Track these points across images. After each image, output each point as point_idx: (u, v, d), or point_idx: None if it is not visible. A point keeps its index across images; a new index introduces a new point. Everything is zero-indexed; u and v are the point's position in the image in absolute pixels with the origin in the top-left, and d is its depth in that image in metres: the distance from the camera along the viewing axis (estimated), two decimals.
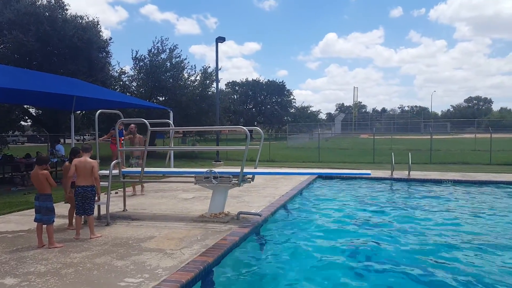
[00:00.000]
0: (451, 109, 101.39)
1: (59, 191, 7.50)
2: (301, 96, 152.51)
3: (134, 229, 6.26)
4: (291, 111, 69.15)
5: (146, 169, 7.33)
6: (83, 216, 5.89)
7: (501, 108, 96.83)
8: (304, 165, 17.66)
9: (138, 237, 5.81)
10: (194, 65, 31.49)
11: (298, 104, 71.80)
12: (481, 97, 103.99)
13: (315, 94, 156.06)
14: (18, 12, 18.07)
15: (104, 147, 10.80)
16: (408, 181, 12.75)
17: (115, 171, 7.11)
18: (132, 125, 9.72)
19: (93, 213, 5.96)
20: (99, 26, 21.75)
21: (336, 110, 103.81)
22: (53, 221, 5.39)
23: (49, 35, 18.31)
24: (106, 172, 6.98)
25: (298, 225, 7.14)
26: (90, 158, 5.95)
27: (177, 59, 24.78)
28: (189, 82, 25.50)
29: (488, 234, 6.56)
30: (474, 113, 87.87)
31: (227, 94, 56.32)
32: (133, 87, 25.25)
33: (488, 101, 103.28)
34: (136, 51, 24.37)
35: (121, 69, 24.99)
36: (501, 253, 5.55)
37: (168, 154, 10.29)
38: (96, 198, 6.11)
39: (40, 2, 19.73)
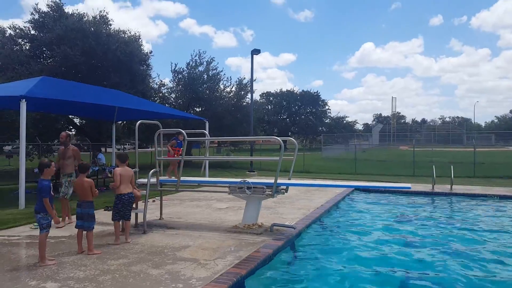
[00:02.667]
0: (496, 120, 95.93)
1: (99, 198, 7.77)
2: (337, 106, 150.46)
3: (169, 238, 6.34)
4: (326, 121, 68.28)
5: (182, 178, 7.44)
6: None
7: None
8: (339, 177, 17.29)
9: (173, 246, 5.88)
10: (230, 76, 32.47)
11: (333, 114, 70.79)
12: None
13: (351, 104, 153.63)
14: (67, 28, 19.25)
15: (142, 156, 11.11)
16: (450, 195, 12.10)
17: (153, 180, 7.27)
18: (63, 133, 7.97)
19: (130, 219, 6.27)
20: (140, 40, 22.74)
21: (374, 120, 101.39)
22: (93, 227, 5.58)
23: (94, 49, 19.33)
24: (144, 180, 7.16)
25: (333, 240, 6.93)
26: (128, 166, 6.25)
27: (214, 71, 25.37)
28: (224, 93, 25.96)
29: None
30: None
31: (261, 105, 56.74)
32: (171, 99, 26.05)
33: None
34: (175, 64, 25.26)
35: (161, 81, 26.00)
36: None
37: (204, 163, 10.43)
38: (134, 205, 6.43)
39: (86, 18, 20.93)
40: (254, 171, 19.08)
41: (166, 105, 24.12)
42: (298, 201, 10.31)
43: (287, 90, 67.84)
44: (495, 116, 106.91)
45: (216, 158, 25.03)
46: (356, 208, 10.33)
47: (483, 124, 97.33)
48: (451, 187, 12.78)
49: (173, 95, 26.17)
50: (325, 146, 43.10)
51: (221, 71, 25.81)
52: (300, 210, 9.03)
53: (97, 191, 5.67)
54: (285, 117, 68.26)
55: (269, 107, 66.60)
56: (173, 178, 8.11)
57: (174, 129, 8.68)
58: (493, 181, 15.69)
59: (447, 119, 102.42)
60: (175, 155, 8.27)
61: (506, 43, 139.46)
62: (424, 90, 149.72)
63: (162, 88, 25.86)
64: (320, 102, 66.71)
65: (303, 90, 67.16)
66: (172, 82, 25.72)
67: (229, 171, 20.69)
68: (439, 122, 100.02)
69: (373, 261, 5.74)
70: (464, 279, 4.99)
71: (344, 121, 70.97)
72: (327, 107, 67.96)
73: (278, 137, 7.09)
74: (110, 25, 21.74)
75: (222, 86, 25.88)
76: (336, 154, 35.62)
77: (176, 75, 25.19)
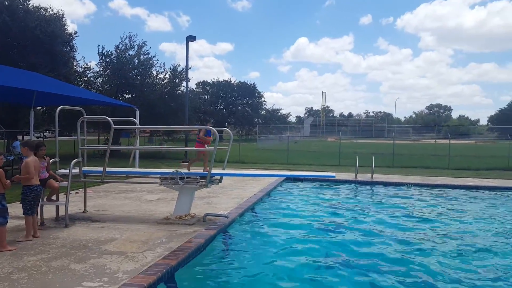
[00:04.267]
0: (414, 116, 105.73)
1: (14, 190, 7.08)
2: (272, 98, 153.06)
3: (94, 231, 6.01)
4: (262, 113, 69.41)
5: (108, 169, 7.07)
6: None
7: (460, 115, 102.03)
8: (273, 167, 17.75)
9: (99, 239, 5.59)
10: (163, 63, 31.36)
11: (269, 106, 72.18)
12: (441, 104, 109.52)
13: (286, 97, 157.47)
14: None
15: (64, 145, 10.33)
16: (371, 183, 13.13)
17: (75, 170, 6.81)
18: None
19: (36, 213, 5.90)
20: (64, 19, 20.94)
21: (305, 113, 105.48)
22: (6, 222, 5.08)
23: (8, 26, 17.38)
24: (66, 171, 6.68)
25: (265, 227, 7.13)
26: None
27: (146, 56, 24.25)
28: (157, 80, 24.99)
29: (447, 235, 6.84)
30: (434, 120, 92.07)
31: (197, 94, 55.72)
32: (98, 84, 24.41)
33: (448, 109, 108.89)
34: (103, 47, 23.56)
35: (86, 64, 24.12)
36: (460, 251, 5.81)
37: (133, 153, 9.97)
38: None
39: None
40: (188, 162, 18.78)
41: (92, 90, 22.59)
42: (232, 191, 10.40)
43: (224, 80, 67.48)
44: (413, 112, 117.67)
45: (147, 148, 24.28)
46: (287, 195, 10.72)
47: (402, 119, 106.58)
48: (372, 176, 13.86)
49: (99, 80, 24.51)
50: (260, 137, 43.94)
51: (154, 56, 24.73)
52: (234, 199, 9.12)
53: (8, 182, 5.14)
54: (221, 107, 67.95)
55: (206, 97, 65.74)
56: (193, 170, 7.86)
57: (99, 116, 8.19)
58: (409, 170, 17.29)
59: (371, 114, 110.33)
60: (207, 145, 8.12)
61: (426, 45, 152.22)
62: (352, 86, 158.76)
63: (88, 72, 24.11)
64: (256, 94, 67.47)
65: (240, 81, 67.36)
66: (99, 66, 24.02)
67: (162, 161, 20.12)
68: (364, 116, 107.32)
69: (302, 245, 6.01)
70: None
71: (279, 113, 72.78)
72: (263, 99, 69.05)
73: (214, 127, 7.05)
74: (29, 0, 19.68)
75: (154, 73, 24.83)
76: (270, 145, 36.48)
77: (103, 58, 23.60)
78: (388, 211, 8.84)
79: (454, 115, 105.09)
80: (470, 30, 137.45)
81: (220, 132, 7.61)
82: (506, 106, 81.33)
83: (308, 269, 5.08)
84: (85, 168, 7.16)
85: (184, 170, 7.03)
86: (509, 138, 24.78)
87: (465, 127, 77.38)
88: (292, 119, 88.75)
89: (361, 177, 13.87)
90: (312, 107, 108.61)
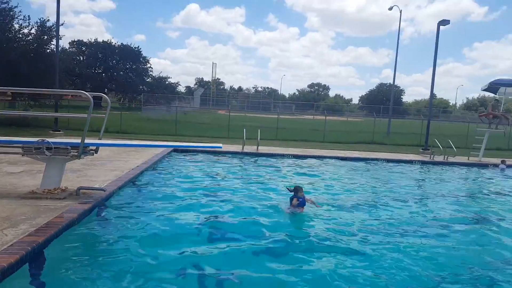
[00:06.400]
0: (297, 93, 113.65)
1: None
2: (159, 65, 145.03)
3: None
4: (148, 80, 65.46)
5: None
6: None
7: (336, 94, 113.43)
8: (160, 138, 17.17)
9: None
10: (28, 16, 26.22)
11: (155, 73, 68.25)
12: (321, 83, 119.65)
13: (175, 65, 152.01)
14: None
15: None
16: (256, 155, 13.81)
17: None
18: None
19: None
20: None
21: (196, 84, 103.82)
22: None
23: None
24: None
25: (147, 200, 6.87)
26: None
27: (5, 5, 20.44)
28: (20, 36, 21.37)
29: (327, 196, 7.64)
30: (314, 98, 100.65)
31: (70, 54, 49.53)
32: None
33: (326, 88, 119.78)
34: None
35: None
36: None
37: None
38: None
39: None
40: (60, 131, 16.85)
41: None
42: (112, 163, 9.72)
43: (103, 41, 61.10)
44: (296, 89, 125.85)
45: (7, 113, 20.89)
46: (173, 167, 10.53)
47: (287, 95, 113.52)
48: (257, 148, 14.57)
49: None
50: (145, 106, 41.85)
51: (16, 7, 20.97)
52: (113, 172, 8.53)
53: None
54: (100, 71, 61.86)
55: (81, 58, 58.90)
56: None
57: None
58: (290, 143, 18.70)
59: (259, 89, 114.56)
60: None
61: (311, 25, 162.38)
62: (243, 60, 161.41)
63: None
64: (141, 59, 63.00)
65: (122, 44, 61.62)
66: None
67: (27, 130, 17.62)
68: (253, 90, 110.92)
69: (184, 217, 5.98)
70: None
71: (167, 82, 69.70)
72: (149, 65, 64.85)
73: (92, 92, 6.33)
74: None
75: (17, 26, 21.15)
76: (157, 115, 35.01)
77: None
78: (269, 180, 9.42)
79: (331, 94, 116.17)
80: (350, 15, 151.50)
81: (98, 98, 6.81)
82: (374, 88, 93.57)
83: (188, 241, 5.03)
84: None
85: (53, 139, 6.23)
86: (375, 116, 28.70)
87: (339, 105, 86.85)
88: (182, 89, 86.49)
89: (247, 149, 14.45)
90: (202, 78, 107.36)
